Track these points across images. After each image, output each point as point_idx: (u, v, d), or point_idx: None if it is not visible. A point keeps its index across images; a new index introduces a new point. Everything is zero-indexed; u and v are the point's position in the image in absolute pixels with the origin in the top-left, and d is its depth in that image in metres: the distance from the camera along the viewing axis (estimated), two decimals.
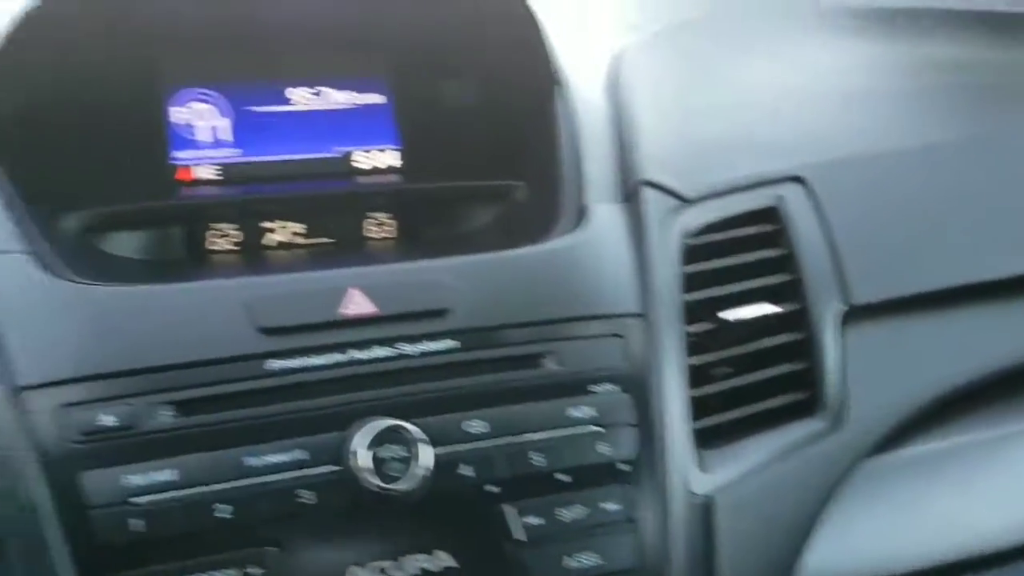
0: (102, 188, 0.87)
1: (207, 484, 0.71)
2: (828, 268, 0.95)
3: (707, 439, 0.88)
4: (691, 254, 0.91)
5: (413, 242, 0.98)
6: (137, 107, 0.92)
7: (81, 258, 0.81)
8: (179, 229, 0.92)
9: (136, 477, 0.70)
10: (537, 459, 0.78)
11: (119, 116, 0.91)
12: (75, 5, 0.82)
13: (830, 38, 1.23)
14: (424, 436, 0.74)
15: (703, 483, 0.85)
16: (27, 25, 0.81)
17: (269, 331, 0.75)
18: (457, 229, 0.98)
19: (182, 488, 0.70)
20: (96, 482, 0.69)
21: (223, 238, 0.93)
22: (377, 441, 0.73)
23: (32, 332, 0.72)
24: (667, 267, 0.88)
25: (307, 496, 0.73)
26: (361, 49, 0.99)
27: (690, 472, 0.84)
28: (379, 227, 0.98)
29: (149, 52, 0.92)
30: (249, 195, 0.95)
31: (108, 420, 0.70)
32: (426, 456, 0.74)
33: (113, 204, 0.87)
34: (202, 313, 0.75)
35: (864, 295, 0.96)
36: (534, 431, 0.78)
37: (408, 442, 0.74)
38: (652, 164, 0.93)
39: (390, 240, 0.98)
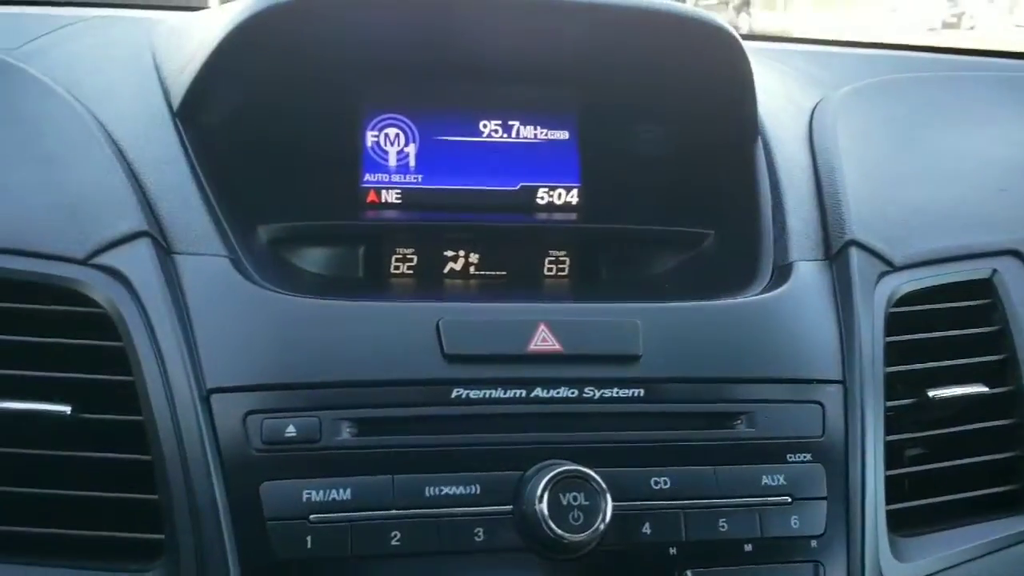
0: (296, 203, 0.88)
1: (383, 508, 0.69)
2: None
3: (901, 524, 0.81)
4: (895, 323, 0.85)
5: (591, 282, 0.95)
6: (336, 129, 0.93)
7: (272, 268, 0.81)
8: (362, 249, 0.92)
9: (315, 493, 0.68)
10: (723, 525, 0.73)
11: (318, 136, 0.92)
12: (285, 27, 0.84)
13: None
14: (607, 487, 0.71)
15: (897, 572, 0.78)
16: (239, 42, 0.82)
17: (456, 358, 0.73)
18: (638, 273, 0.95)
19: (358, 509, 0.68)
20: (275, 494, 0.68)
21: (403, 261, 0.92)
22: (557, 486, 0.70)
23: (224, 334, 0.72)
24: (870, 335, 0.82)
25: (478, 533, 0.70)
26: (552, 85, 0.98)
27: (883, 557, 0.78)
28: (555, 264, 0.95)
29: (352, 77, 0.93)
30: (430, 221, 0.94)
31: (291, 431, 0.69)
32: (608, 508, 0.70)
33: (304, 219, 0.88)
34: (391, 333, 0.73)
35: None
36: (723, 495, 0.74)
37: (590, 491, 0.70)
38: (859, 224, 0.88)
39: (565, 278, 0.95)
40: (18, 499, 0.70)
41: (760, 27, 13.34)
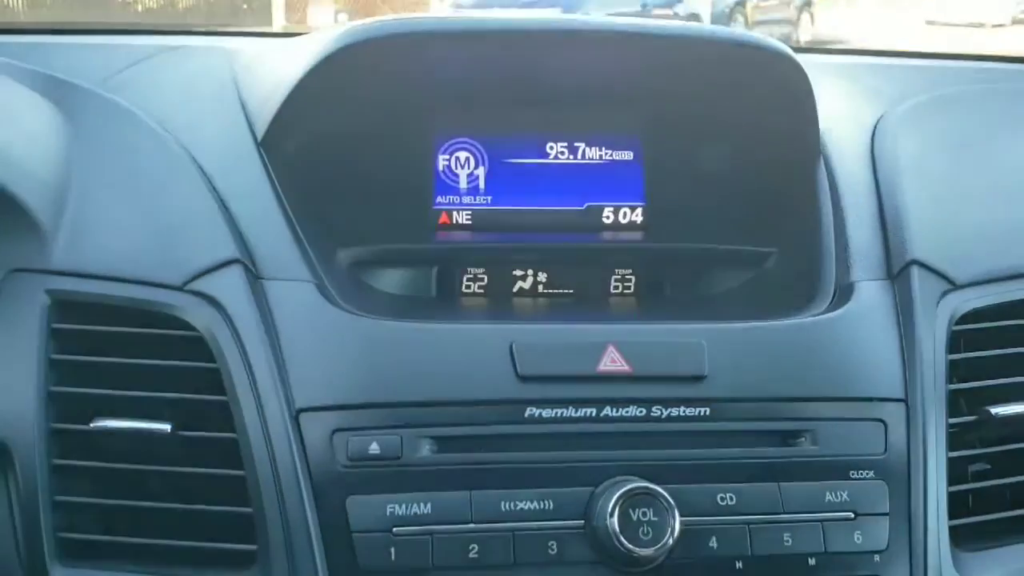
0: (372, 226, 0.92)
1: (462, 522, 0.73)
2: None
3: (962, 539, 0.82)
4: (957, 341, 0.86)
5: (656, 301, 0.97)
6: (409, 154, 0.97)
7: (352, 290, 0.85)
8: (435, 269, 0.96)
9: (398, 507, 0.72)
10: (788, 540, 0.75)
11: (393, 161, 0.96)
12: (365, 61, 0.88)
13: None
14: (675, 503, 0.73)
15: None
16: (321, 76, 0.86)
17: (529, 379, 0.76)
18: (702, 292, 0.97)
19: (438, 523, 0.72)
20: (361, 508, 0.72)
21: (474, 281, 0.96)
22: (627, 502, 0.73)
23: (311, 356, 0.76)
24: (933, 353, 0.83)
25: (552, 547, 0.73)
26: (617, 108, 1.00)
27: (945, 572, 0.79)
28: (621, 282, 0.98)
29: (426, 104, 0.97)
30: (499, 242, 0.97)
31: (375, 448, 0.73)
32: (676, 523, 0.73)
33: (381, 242, 0.92)
34: (468, 355, 0.77)
35: None
36: (787, 511, 0.76)
37: (659, 507, 0.73)
38: (921, 243, 0.89)
39: (631, 296, 0.98)
40: (121, 510, 0.75)
41: (822, 26, 13.14)
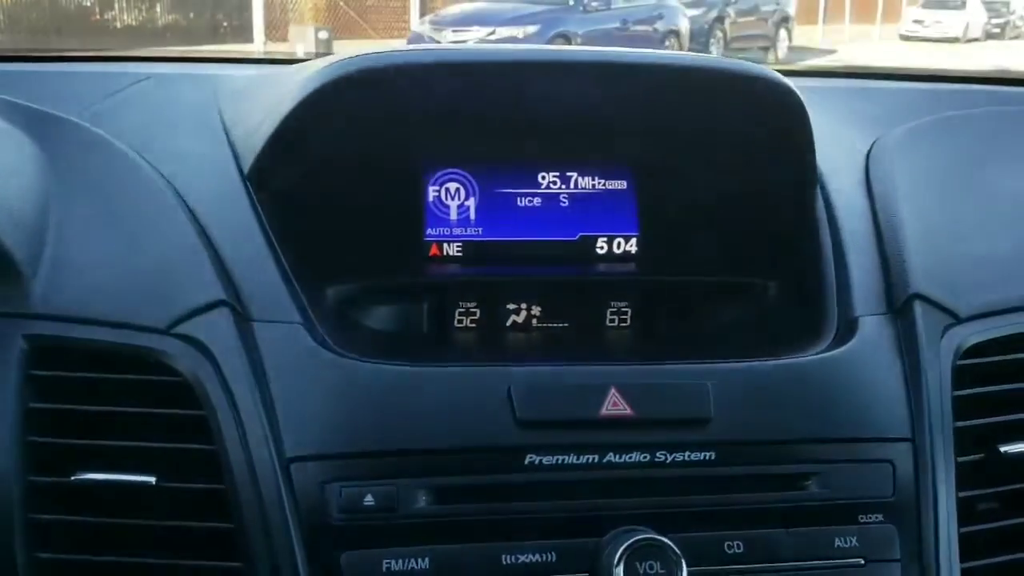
0: (361, 260, 0.90)
1: None
2: None
3: None
4: (963, 376, 0.85)
5: (652, 334, 0.95)
6: (398, 185, 0.95)
7: (341, 329, 0.82)
8: (426, 304, 0.93)
9: (395, 563, 0.69)
10: None
11: (381, 193, 0.93)
12: (355, 94, 0.85)
13: None
14: (682, 553, 0.71)
15: None
16: (310, 109, 0.84)
17: (528, 424, 0.74)
18: (700, 325, 0.95)
19: None
20: (356, 564, 0.69)
21: (467, 315, 0.94)
22: (634, 555, 0.70)
23: (302, 403, 0.74)
24: (939, 390, 0.82)
25: None
26: (609, 137, 0.99)
27: None
28: (617, 315, 0.96)
29: (414, 135, 0.94)
30: (491, 275, 0.95)
31: (370, 500, 0.70)
32: (684, 575, 0.71)
33: (371, 277, 0.89)
34: (464, 399, 0.75)
35: None
36: (796, 559, 0.74)
37: (666, 559, 0.71)
38: (922, 276, 0.87)
39: (626, 329, 0.96)
40: (103, 567, 0.72)
41: (799, 40, 13.27)
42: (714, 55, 0.92)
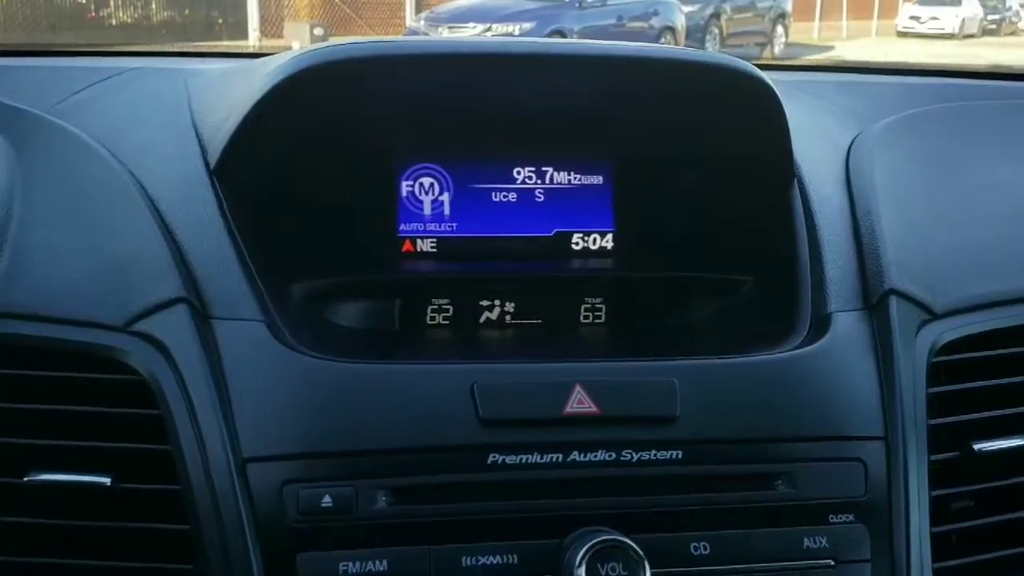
0: (331, 256, 0.88)
1: None
2: None
3: None
4: (938, 373, 0.83)
5: (627, 330, 0.94)
6: (370, 180, 0.93)
7: (307, 327, 0.81)
8: (399, 301, 0.92)
9: (352, 564, 0.68)
10: None
11: (353, 188, 0.92)
12: (322, 85, 0.84)
13: None
14: (645, 555, 0.70)
15: None
16: (276, 102, 0.83)
17: (491, 423, 0.73)
18: (674, 321, 0.94)
19: None
20: (312, 566, 0.68)
21: (439, 312, 0.92)
22: (596, 556, 0.69)
23: (260, 403, 0.72)
24: (912, 387, 0.80)
25: None
26: (585, 132, 0.97)
27: None
28: (591, 311, 0.95)
29: (386, 128, 0.93)
30: (465, 271, 0.94)
31: (327, 501, 0.69)
32: None
33: (340, 273, 0.88)
34: (426, 398, 0.73)
35: None
36: (764, 560, 0.72)
37: (629, 560, 0.69)
38: (898, 272, 0.86)
39: (601, 326, 0.95)
40: (57, 569, 0.71)
41: (796, 36, 13.26)
42: (691, 48, 0.90)
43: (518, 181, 0.97)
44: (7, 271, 0.76)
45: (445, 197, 0.95)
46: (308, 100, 0.85)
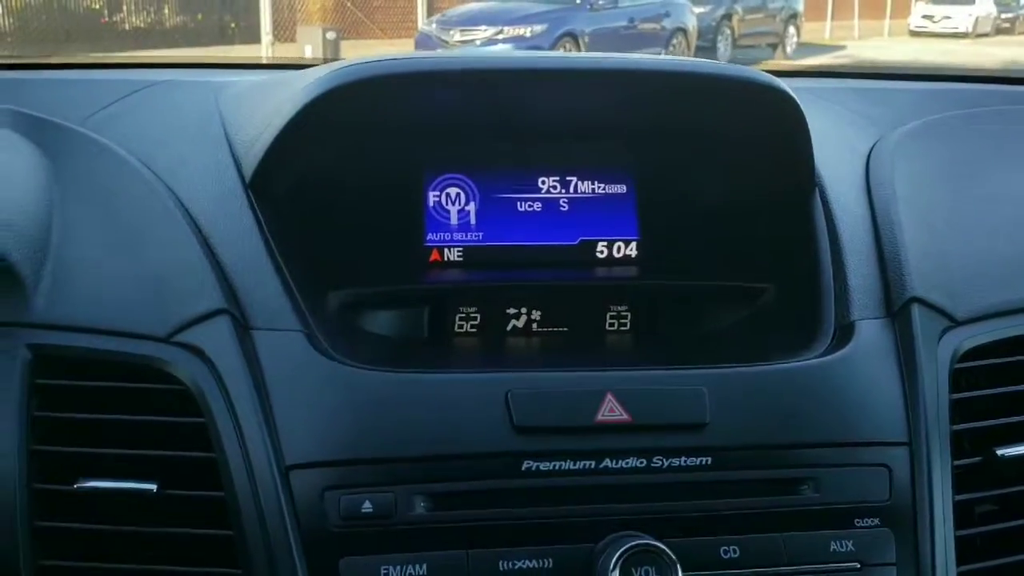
0: (362, 266, 0.90)
1: None
2: None
3: None
4: (960, 380, 0.85)
5: (652, 338, 0.95)
6: (399, 191, 0.95)
7: (342, 336, 0.83)
8: (427, 309, 0.94)
9: (393, 569, 0.70)
10: None
11: (382, 199, 0.94)
12: (356, 100, 0.86)
13: None
14: (677, 559, 0.71)
15: None
16: (310, 117, 0.85)
17: (525, 431, 0.74)
18: (698, 328, 0.96)
19: None
20: (354, 570, 0.70)
21: (467, 320, 0.94)
22: (629, 560, 0.71)
23: (301, 410, 0.74)
24: (936, 393, 0.82)
25: None
26: (609, 142, 0.99)
27: None
28: (616, 319, 0.96)
29: (414, 141, 0.95)
30: (492, 280, 0.95)
31: (368, 507, 0.71)
32: None
33: (372, 283, 0.90)
34: (462, 406, 0.75)
35: None
36: (791, 563, 0.74)
37: (662, 564, 0.71)
38: (920, 280, 0.87)
39: (626, 333, 0.96)
40: (105, 573, 0.73)
41: (807, 36, 13.23)
42: (712, 60, 0.92)
43: (543, 190, 0.98)
44: (52, 285, 0.79)
45: (471, 207, 0.97)
46: (340, 115, 0.87)
